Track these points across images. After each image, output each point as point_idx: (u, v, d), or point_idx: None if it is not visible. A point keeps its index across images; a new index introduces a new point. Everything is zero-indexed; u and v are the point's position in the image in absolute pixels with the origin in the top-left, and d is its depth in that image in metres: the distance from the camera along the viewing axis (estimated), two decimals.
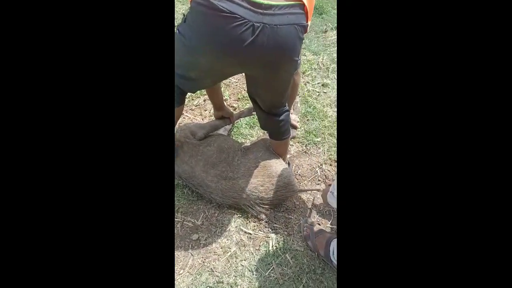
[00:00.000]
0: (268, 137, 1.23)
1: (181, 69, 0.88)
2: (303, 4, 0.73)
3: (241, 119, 1.49)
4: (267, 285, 0.97)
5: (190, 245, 1.06)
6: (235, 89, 1.79)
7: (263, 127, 1.14)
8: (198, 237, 1.09)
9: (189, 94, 1.87)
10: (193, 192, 1.21)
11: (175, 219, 1.13)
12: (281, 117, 1.02)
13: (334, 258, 0.95)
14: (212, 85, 1.08)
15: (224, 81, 1.91)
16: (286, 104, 1.04)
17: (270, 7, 0.69)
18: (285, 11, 0.70)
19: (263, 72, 0.82)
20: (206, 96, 1.78)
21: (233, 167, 1.12)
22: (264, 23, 0.69)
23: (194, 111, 1.68)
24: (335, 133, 1.47)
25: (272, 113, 1.01)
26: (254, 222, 1.13)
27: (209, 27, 0.70)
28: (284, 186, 1.10)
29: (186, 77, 0.90)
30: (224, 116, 1.35)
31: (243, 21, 0.68)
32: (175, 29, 0.80)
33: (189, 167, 1.15)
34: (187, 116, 1.64)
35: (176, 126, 1.35)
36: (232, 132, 1.48)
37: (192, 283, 0.97)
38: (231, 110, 1.40)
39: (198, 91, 1.82)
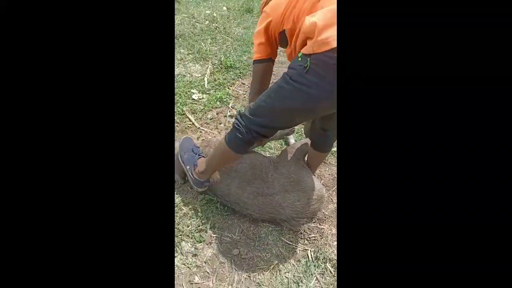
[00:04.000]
0: (287, 148, 1.30)
1: (281, 117, 0.90)
2: None
3: None
4: None
5: (232, 261, 1.11)
6: (244, 100, 1.82)
7: (315, 140, 1.21)
8: (239, 251, 1.14)
9: (202, 106, 1.89)
10: (224, 207, 1.24)
11: (213, 235, 1.17)
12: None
13: None
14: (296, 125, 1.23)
15: (233, 93, 1.95)
16: None
17: None
18: None
19: None
20: (219, 109, 1.80)
21: (268, 183, 1.16)
22: None
23: (210, 125, 1.70)
24: None
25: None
26: (289, 234, 1.19)
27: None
28: (317, 200, 1.16)
29: (282, 125, 0.95)
30: None
31: None
32: (285, 79, 0.83)
33: (224, 185, 1.19)
34: (203, 130, 1.66)
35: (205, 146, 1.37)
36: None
37: None
38: None
39: (209, 104, 1.85)
